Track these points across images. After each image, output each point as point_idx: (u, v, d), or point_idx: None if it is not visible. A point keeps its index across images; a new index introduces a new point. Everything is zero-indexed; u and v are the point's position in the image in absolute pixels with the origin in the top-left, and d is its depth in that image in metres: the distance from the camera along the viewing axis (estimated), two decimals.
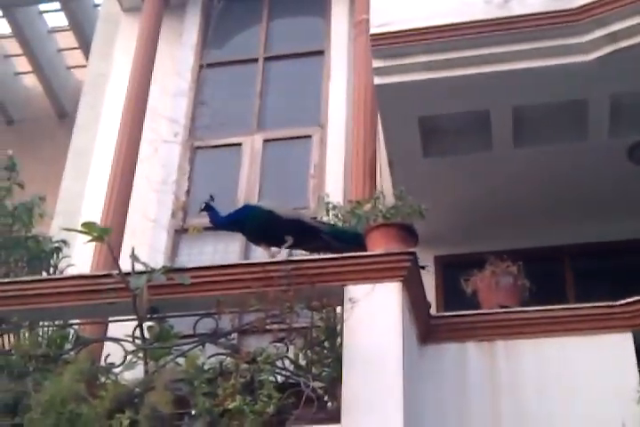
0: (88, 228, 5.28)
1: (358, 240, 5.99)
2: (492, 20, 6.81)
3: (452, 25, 6.82)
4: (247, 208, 6.50)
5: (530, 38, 6.74)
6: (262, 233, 6.26)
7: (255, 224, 6.25)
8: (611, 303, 5.63)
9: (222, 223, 6.39)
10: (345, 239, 6.16)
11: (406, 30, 6.87)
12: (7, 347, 5.70)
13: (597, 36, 6.70)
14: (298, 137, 8.67)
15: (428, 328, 5.63)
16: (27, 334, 5.71)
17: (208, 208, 6.35)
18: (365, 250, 5.59)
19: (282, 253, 6.26)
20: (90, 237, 5.33)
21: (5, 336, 5.81)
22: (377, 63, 6.98)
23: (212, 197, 6.37)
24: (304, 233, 6.25)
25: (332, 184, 8.09)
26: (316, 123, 8.64)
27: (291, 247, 6.37)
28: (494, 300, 5.98)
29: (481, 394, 5.53)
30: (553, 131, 7.40)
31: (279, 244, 6.28)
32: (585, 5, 6.72)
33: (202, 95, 8.97)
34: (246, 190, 8.34)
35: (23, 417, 4.94)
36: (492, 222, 7.92)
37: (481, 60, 6.80)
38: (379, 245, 5.40)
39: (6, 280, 6.00)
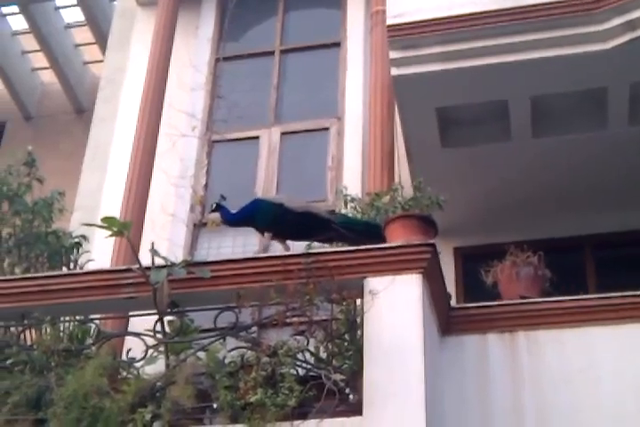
0: (108, 222, 5.29)
1: (370, 230, 6.01)
2: (508, 9, 6.78)
3: (469, 15, 6.79)
4: (256, 202, 6.44)
5: (547, 27, 6.71)
6: (274, 227, 6.23)
7: (266, 218, 6.22)
8: (636, 293, 5.58)
9: (233, 220, 6.36)
10: (357, 229, 6.15)
11: (422, 21, 6.85)
12: (29, 342, 5.72)
13: (615, 24, 6.66)
14: (315, 129, 8.65)
15: (448, 320, 5.62)
16: (48, 330, 5.73)
17: (219, 208, 6.32)
18: (379, 239, 5.58)
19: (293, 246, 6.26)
20: (110, 232, 5.34)
21: (27, 332, 5.82)
22: (394, 54, 6.96)
23: (223, 196, 6.33)
24: (316, 225, 6.22)
25: (349, 176, 8.07)
26: (334, 115, 8.62)
27: (304, 239, 6.37)
28: (515, 290, 5.96)
29: (502, 385, 5.51)
30: (572, 120, 7.36)
31: (292, 237, 6.27)
32: None
33: (219, 89, 8.97)
34: (264, 183, 8.34)
35: (46, 412, 4.97)
36: (511, 213, 7.89)
37: (498, 50, 6.77)
38: (398, 236, 5.38)
39: (27, 276, 6.03)
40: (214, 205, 6.33)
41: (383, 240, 5.68)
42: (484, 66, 6.82)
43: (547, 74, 6.84)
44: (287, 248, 6.18)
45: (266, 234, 6.38)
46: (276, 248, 7.61)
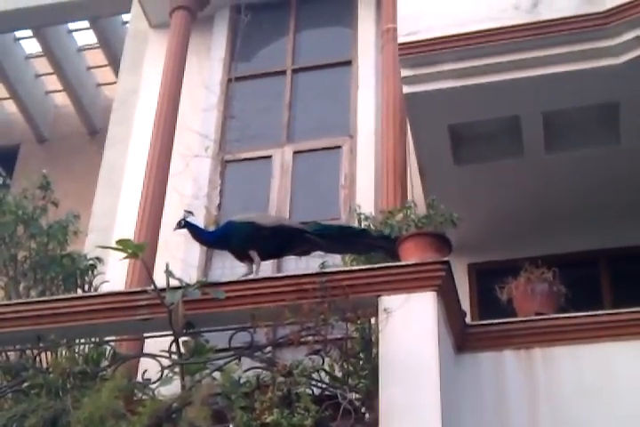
0: (123, 245, 5.30)
1: (344, 232, 6.10)
2: (521, 25, 6.79)
3: (481, 32, 6.80)
4: (228, 224, 6.39)
5: (559, 43, 6.71)
6: (249, 246, 6.17)
7: (239, 238, 6.19)
8: None
9: (209, 240, 6.38)
10: (329, 235, 6.16)
11: (434, 38, 6.86)
12: (45, 365, 5.72)
13: (627, 38, 6.66)
14: (327, 148, 8.66)
15: (463, 337, 5.60)
16: (64, 352, 5.73)
17: (187, 225, 6.27)
18: (353, 242, 5.53)
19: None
20: (125, 254, 5.35)
21: (43, 355, 5.83)
22: (405, 72, 6.98)
23: (189, 212, 6.31)
24: (290, 237, 6.22)
25: (362, 194, 8.07)
26: (346, 133, 8.63)
27: (283, 254, 6.34)
28: (530, 307, 5.93)
29: (519, 402, 5.48)
30: (584, 135, 7.35)
31: (270, 253, 6.27)
32: (614, 8, 6.68)
33: (231, 109, 9.00)
34: (277, 203, 8.35)
35: None
36: (525, 229, 7.87)
37: (510, 67, 6.78)
38: (412, 254, 5.37)
39: (43, 299, 6.05)
40: (182, 222, 6.27)
41: (348, 242, 5.80)
42: (496, 82, 6.83)
43: (559, 89, 6.84)
44: (250, 271, 6.13)
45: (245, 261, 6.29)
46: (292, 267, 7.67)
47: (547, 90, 6.85)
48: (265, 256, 6.23)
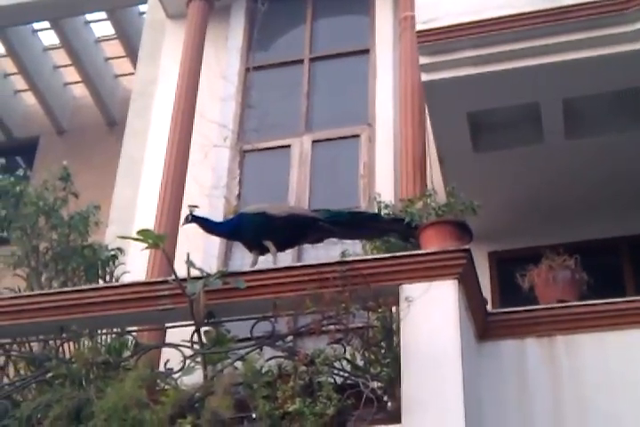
0: (144, 235, 5.32)
1: (354, 219, 6.08)
2: (539, 11, 6.75)
3: (500, 18, 6.77)
4: (240, 216, 6.39)
5: (578, 28, 6.67)
6: (261, 237, 6.16)
7: (250, 229, 6.18)
8: None
9: (222, 231, 6.34)
10: (341, 222, 6.13)
11: (453, 25, 6.83)
12: (68, 355, 5.76)
13: None
14: (346, 137, 8.64)
15: (485, 325, 5.59)
16: (87, 343, 5.76)
17: (195, 219, 6.25)
18: (364, 227, 5.50)
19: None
20: (146, 245, 5.37)
21: (65, 345, 5.86)
22: (424, 60, 6.96)
23: (194, 206, 6.24)
24: (302, 226, 6.19)
25: (382, 183, 8.05)
26: (364, 122, 8.61)
27: (296, 243, 6.30)
28: (552, 294, 5.92)
29: (542, 390, 5.47)
30: (604, 121, 7.31)
31: (284, 243, 6.24)
32: None
33: (249, 98, 8.99)
34: (297, 192, 8.34)
35: (87, 424, 5.00)
36: (545, 216, 7.84)
37: (529, 53, 6.75)
38: (433, 242, 5.37)
39: (65, 289, 6.07)
40: (189, 217, 6.24)
41: (360, 227, 5.79)
42: (515, 69, 6.80)
43: (579, 75, 6.80)
44: (256, 261, 6.13)
45: (254, 251, 6.28)
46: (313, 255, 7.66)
47: (566, 76, 6.81)
48: (278, 246, 6.22)
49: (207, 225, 6.33)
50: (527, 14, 6.77)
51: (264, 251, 6.23)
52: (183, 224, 6.36)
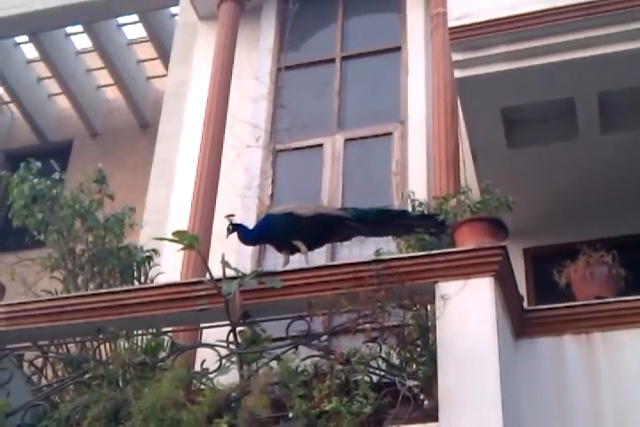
0: (179, 236, 5.34)
1: (380, 216, 6.04)
2: (573, 5, 6.70)
3: (533, 13, 6.72)
4: (267, 218, 6.35)
5: (614, 22, 6.61)
6: (291, 236, 6.11)
7: (279, 231, 6.14)
8: None
9: (251, 238, 6.26)
10: (370, 220, 6.10)
11: (485, 21, 6.80)
12: (105, 356, 5.79)
13: None
14: (379, 135, 8.62)
15: (522, 322, 5.54)
16: (124, 344, 5.79)
17: (236, 227, 6.18)
18: (391, 224, 5.57)
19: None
20: (181, 246, 5.39)
21: (102, 346, 5.90)
22: (456, 56, 6.93)
23: (231, 215, 6.16)
24: (330, 225, 6.15)
25: (414, 180, 8.02)
26: (397, 119, 8.59)
27: (325, 242, 6.29)
28: (589, 291, 5.85)
29: (580, 387, 5.42)
30: None
31: (313, 243, 6.18)
32: None
33: (281, 98, 9.00)
34: (329, 191, 8.34)
35: (125, 425, 5.02)
36: (581, 211, 7.78)
37: (564, 47, 6.70)
38: (468, 240, 5.33)
39: (102, 291, 6.11)
40: (230, 228, 6.15)
41: (397, 224, 5.84)
42: (549, 64, 6.76)
43: (614, 69, 6.75)
44: (287, 261, 6.09)
45: (284, 251, 6.23)
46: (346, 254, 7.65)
47: (602, 70, 6.75)
48: (307, 246, 6.17)
49: (241, 234, 6.24)
50: (561, 8, 6.72)
51: (294, 250, 6.21)
52: (228, 236, 6.26)
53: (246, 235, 6.25)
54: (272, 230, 6.20)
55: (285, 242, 6.21)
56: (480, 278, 5.09)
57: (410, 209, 6.40)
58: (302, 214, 6.15)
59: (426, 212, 6.35)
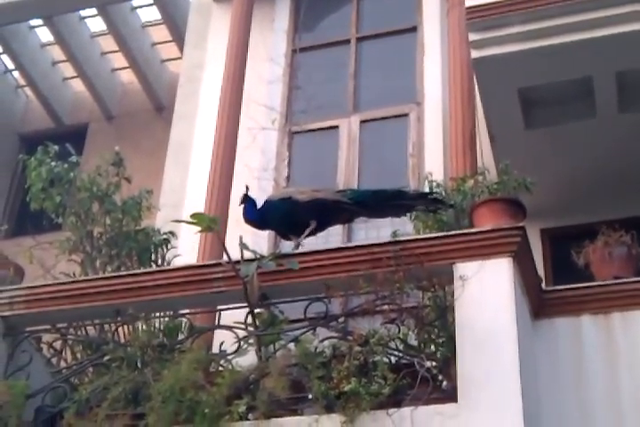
0: (197, 218, 5.35)
1: (376, 197, 6.00)
2: None
3: None
4: (266, 203, 6.24)
5: (632, 0, 6.54)
6: (289, 222, 6.06)
7: (276, 217, 6.08)
8: None
9: (251, 220, 6.14)
10: (366, 202, 6.05)
11: (503, 0, 6.74)
12: (124, 339, 5.82)
13: None
14: (394, 116, 8.59)
15: (540, 303, 5.53)
16: (142, 326, 5.81)
17: (246, 200, 6.13)
18: (389, 205, 5.62)
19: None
20: (199, 228, 5.39)
21: (120, 328, 5.92)
22: (473, 36, 6.90)
23: (246, 187, 6.16)
24: (328, 209, 6.06)
25: (431, 162, 8.00)
26: (413, 100, 8.56)
27: (327, 227, 6.21)
28: (608, 271, 5.83)
29: (598, 367, 5.40)
30: None
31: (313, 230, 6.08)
32: None
33: (296, 80, 8.98)
34: (345, 173, 8.32)
35: (145, 406, 5.05)
36: (599, 191, 7.75)
37: (582, 26, 6.67)
38: (486, 220, 5.31)
39: (120, 273, 6.13)
40: (243, 197, 6.11)
41: (395, 205, 5.81)
42: (567, 43, 6.73)
43: (632, 48, 6.70)
44: (297, 245, 6.01)
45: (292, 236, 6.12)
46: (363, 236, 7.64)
47: (619, 49, 6.71)
48: (303, 231, 6.06)
49: (245, 211, 6.18)
50: None
51: (298, 233, 6.13)
52: (239, 204, 6.26)
53: (248, 214, 6.15)
54: (272, 216, 6.12)
55: (284, 228, 6.16)
56: (498, 259, 5.07)
57: (427, 190, 6.37)
58: (300, 199, 6.08)
59: (444, 194, 6.32)
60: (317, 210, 6.04)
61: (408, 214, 6.31)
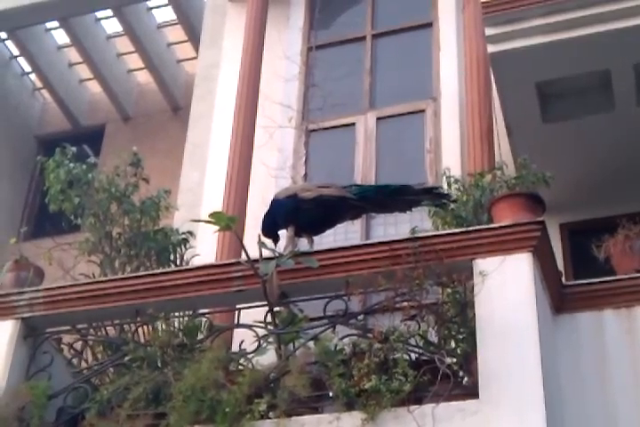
0: (216, 218, 5.34)
1: (380, 193, 5.97)
2: None
3: None
4: (272, 203, 6.20)
5: None
6: (296, 221, 5.98)
7: (282, 214, 6.02)
8: None
9: (266, 229, 6.03)
10: (371, 197, 6.01)
11: None
12: (144, 339, 5.82)
13: None
14: (411, 112, 8.57)
15: (561, 298, 5.49)
16: (162, 326, 5.82)
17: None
18: (390, 200, 5.59)
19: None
20: (218, 227, 5.39)
21: (140, 328, 5.93)
22: (490, 31, 6.88)
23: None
24: (334, 206, 6.01)
25: (448, 157, 7.97)
26: (429, 96, 8.53)
27: (334, 224, 6.18)
28: (630, 265, 5.77)
29: (621, 362, 5.36)
30: None
31: (317, 226, 6.06)
32: None
33: (312, 78, 8.96)
34: (363, 170, 8.31)
35: (166, 406, 5.05)
36: (618, 185, 7.70)
37: (599, 19, 6.63)
38: (506, 215, 5.28)
39: (140, 274, 6.14)
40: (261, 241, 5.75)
41: (399, 200, 5.80)
42: (585, 36, 6.70)
43: None
44: (311, 242, 5.98)
45: (289, 229, 6.05)
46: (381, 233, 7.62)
47: (638, 41, 6.66)
48: (312, 229, 6.06)
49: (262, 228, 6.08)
50: None
51: (308, 231, 6.07)
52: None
53: (263, 226, 6.08)
54: (276, 216, 6.07)
55: (293, 225, 6.06)
56: (518, 254, 5.04)
57: (445, 186, 6.35)
58: (304, 197, 6.03)
59: (463, 190, 6.29)
60: (323, 206, 6.01)
61: (427, 210, 6.29)
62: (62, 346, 6.17)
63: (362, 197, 6.01)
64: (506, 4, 6.76)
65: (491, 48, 6.93)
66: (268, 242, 5.74)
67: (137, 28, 12.09)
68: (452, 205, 6.08)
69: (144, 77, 12.82)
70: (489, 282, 4.97)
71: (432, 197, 6.00)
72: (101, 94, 12.70)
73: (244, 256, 5.46)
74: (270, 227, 6.07)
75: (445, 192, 6.06)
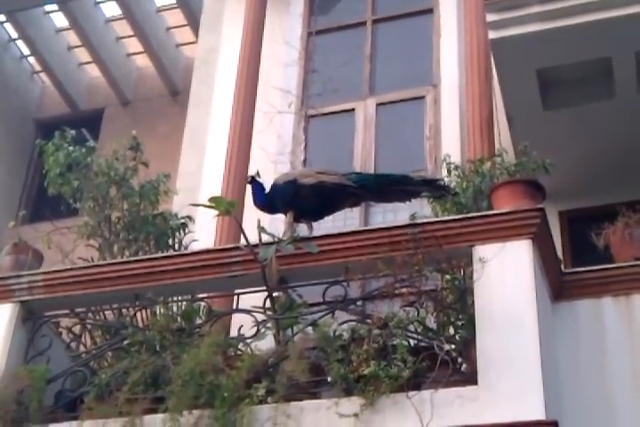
0: (215, 202, 5.33)
1: (379, 182, 5.97)
2: None
3: None
4: (272, 187, 6.17)
5: None
6: (294, 206, 5.99)
7: (282, 200, 6.02)
8: None
9: (259, 204, 6.13)
10: (370, 185, 6.00)
11: None
12: (142, 323, 5.82)
13: None
14: (411, 99, 8.55)
15: (560, 285, 5.50)
16: (161, 310, 5.82)
17: (252, 181, 6.12)
18: (388, 190, 5.59)
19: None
20: (217, 212, 5.38)
21: (139, 313, 5.93)
22: (491, 17, 6.86)
23: (257, 172, 6.13)
24: (333, 193, 6.00)
25: (448, 144, 7.96)
26: (429, 83, 8.51)
27: (333, 211, 6.19)
28: (629, 252, 5.78)
29: (619, 349, 5.38)
30: None
31: (316, 213, 6.07)
32: None
33: (312, 63, 8.94)
34: (362, 156, 8.30)
35: (165, 390, 5.06)
36: (618, 173, 7.70)
37: (601, 6, 6.63)
38: (505, 202, 5.28)
39: (139, 258, 6.13)
40: (249, 178, 6.14)
41: (398, 190, 5.78)
42: (586, 23, 6.69)
43: None
44: (310, 228, 5.98)
45: (288, 214, 6.06)
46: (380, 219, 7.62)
47: (639, 29, 6.63)
48: (311, 215, 6.05)
49: (254, 193, 6.16)
50: None
51: (307, 216, 6.07)
52: (246, 183, 6.22)
53: (257, 199, 6.14)
54: (275, 200, 6.07)
55: (287, 212, 6.07)
56: (518, 241, 5.05)
57: (445, 172, 6.34)
58: (304, 183, 6.01)
59: (462, 176, 6.29)
60: (322, 193, 6.00)
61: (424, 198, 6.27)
62: (61, 330, 6.17)
63: (361, 185, 6.01)
64: None
65: (492, 34, 6.92)
66: (267, 227, 5.72)
67: (136, 11, 12.04)
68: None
69: (143, 61, 12.77)
70: (488, 269, 4.98)
71: (432, 188, 5.98)
72: (100, 78, 12.66)
73: (243, 241, 5.46)
74: (265, 204, 6.09)
75: (446, 184, 6.03)
